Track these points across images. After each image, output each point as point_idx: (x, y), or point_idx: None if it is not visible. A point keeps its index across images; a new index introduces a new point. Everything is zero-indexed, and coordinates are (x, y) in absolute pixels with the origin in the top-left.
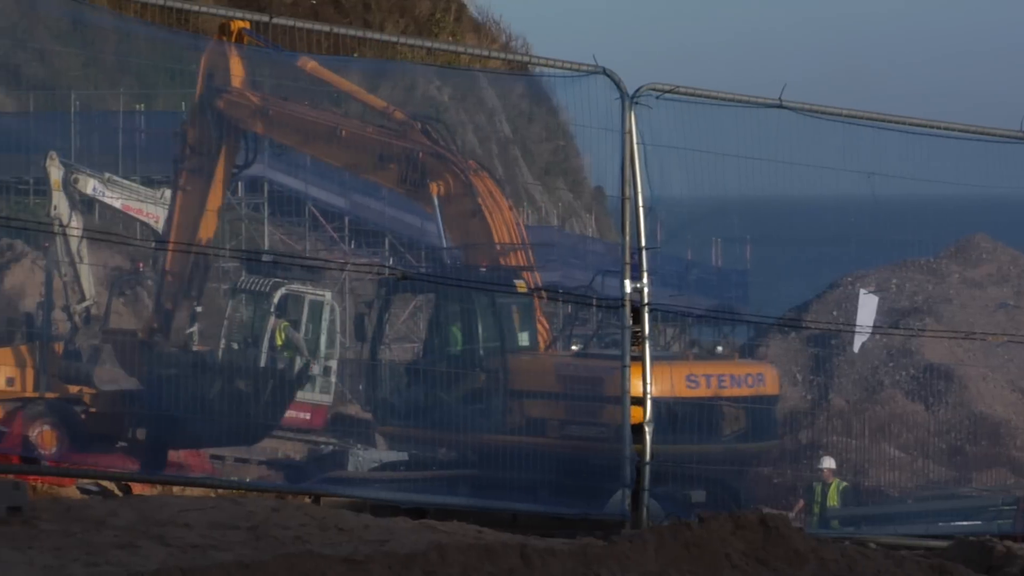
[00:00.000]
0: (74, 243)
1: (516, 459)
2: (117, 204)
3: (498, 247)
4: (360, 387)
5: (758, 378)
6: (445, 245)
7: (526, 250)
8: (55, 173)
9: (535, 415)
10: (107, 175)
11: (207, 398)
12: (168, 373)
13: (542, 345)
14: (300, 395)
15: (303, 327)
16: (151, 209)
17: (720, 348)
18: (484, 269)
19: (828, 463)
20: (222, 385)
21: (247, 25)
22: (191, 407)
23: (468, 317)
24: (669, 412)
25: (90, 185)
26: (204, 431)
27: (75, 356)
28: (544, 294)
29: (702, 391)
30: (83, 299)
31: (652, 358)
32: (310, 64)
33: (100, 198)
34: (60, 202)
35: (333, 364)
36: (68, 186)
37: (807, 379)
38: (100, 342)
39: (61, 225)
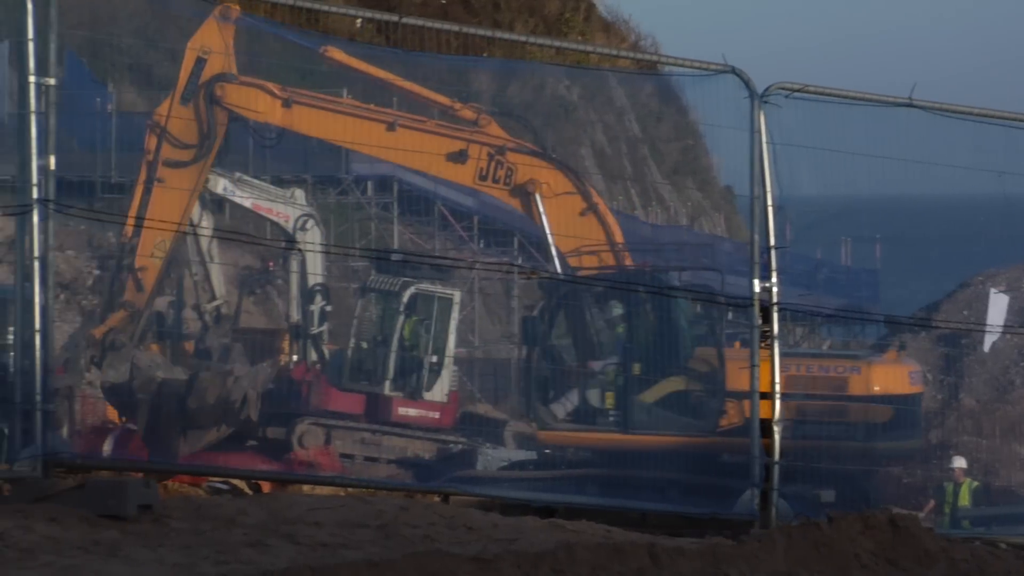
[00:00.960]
0: (204, 242)
1: (645, 458)
2: (247, 203)
3: (620, 245)
4: (525, 393)
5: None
6: (555, 249)
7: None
8: None
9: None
10: (237, 174)
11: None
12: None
13: None
14: (428, 395)
15: (432, 326)
16: (281, 208)
17: (898, 344)
18: (647, 269)
19: (959, 463)
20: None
21: (239, 10)
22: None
23: (671, 318)
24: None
25: (220, 184)
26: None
27: (206, 355)
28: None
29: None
30: (213, 298)
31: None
32: (338, 54)
33: (230, 197)
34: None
35: (450, 363)
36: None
37: (937, 379)
38: (230, 341)
39: (192, 224)
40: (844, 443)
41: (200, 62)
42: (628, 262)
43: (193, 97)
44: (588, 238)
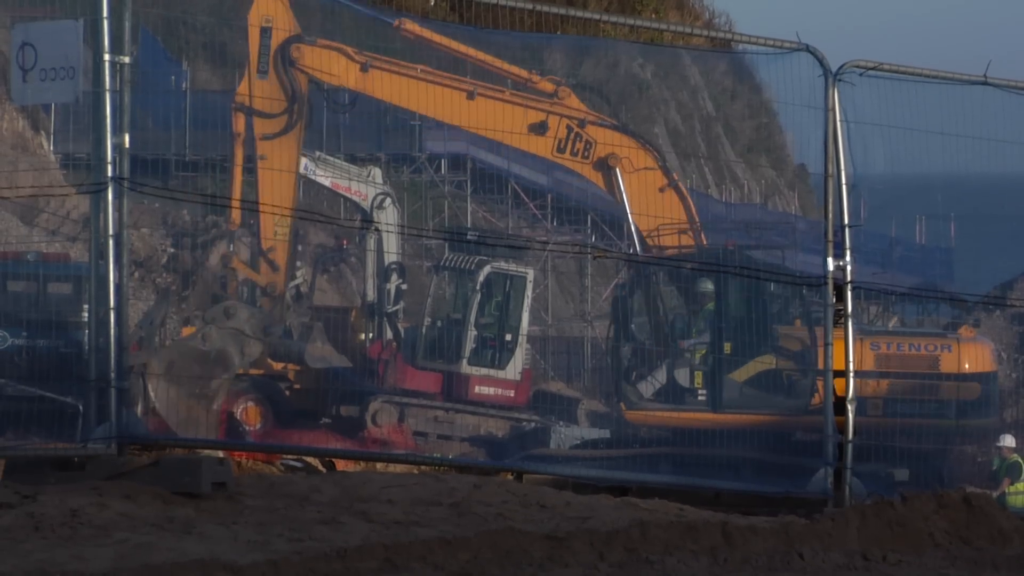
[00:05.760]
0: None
1: (718, 437)
2: (326, 182)
3: (699, 224)
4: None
5: None
6: (633, 225)
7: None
8: None
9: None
10: (318, 153)
11: None
12: None
13: None
14: (502, 373)
15: (506, 304)
16: (359, 187)
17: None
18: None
19: (1008, 440)
20: None
21: None
22: None
23: (762, 297)
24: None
25: (302, 164)
26: None
27: (286, 334)
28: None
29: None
30: (293, 277)
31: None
32: (413, 27)
33: (311, 176)
34: None
35: (523, 341)
36: None
37: (1012, 357)
38: (310, 320)
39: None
40: (935, 421)
41: (266, 32)
42: (704, 241)
43: (269, 68)
44: (667, 216)
